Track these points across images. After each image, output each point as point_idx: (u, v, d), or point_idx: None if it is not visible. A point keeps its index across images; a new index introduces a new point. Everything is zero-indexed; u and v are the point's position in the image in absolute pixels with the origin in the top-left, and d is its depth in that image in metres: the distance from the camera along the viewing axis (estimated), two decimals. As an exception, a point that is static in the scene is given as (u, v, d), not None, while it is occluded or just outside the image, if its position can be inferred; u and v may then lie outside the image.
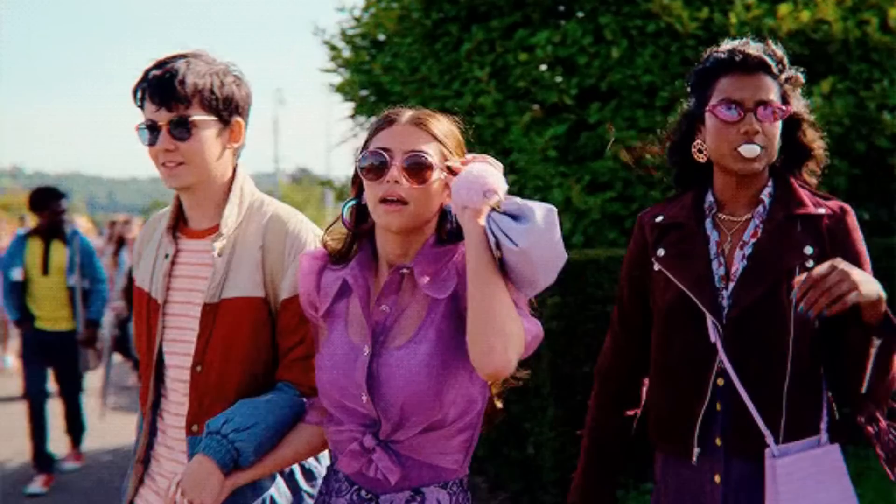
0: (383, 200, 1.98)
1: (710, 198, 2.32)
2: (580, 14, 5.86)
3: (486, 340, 1.81)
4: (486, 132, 5.85)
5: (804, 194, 2.25)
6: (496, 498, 5.41)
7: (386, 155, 1.98)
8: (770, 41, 2.27)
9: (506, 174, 2.00)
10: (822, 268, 1.92)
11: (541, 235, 1.83)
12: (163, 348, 2.30)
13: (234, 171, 2.33)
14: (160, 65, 2.23)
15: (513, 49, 5.84)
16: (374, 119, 2.02)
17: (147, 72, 2.24)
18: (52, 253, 6.76)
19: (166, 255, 2.33)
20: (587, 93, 5.78)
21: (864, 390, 2.09)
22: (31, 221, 10.11)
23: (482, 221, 1.88)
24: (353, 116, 7.68)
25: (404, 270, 2.03)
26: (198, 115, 2.21)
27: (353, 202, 2.11)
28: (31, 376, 6.67)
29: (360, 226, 2.11)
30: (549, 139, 5.58)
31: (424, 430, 1.98)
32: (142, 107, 2.25)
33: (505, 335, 1.82)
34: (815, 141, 2.29)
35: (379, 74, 6.44)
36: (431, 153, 2.00)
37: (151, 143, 2.23)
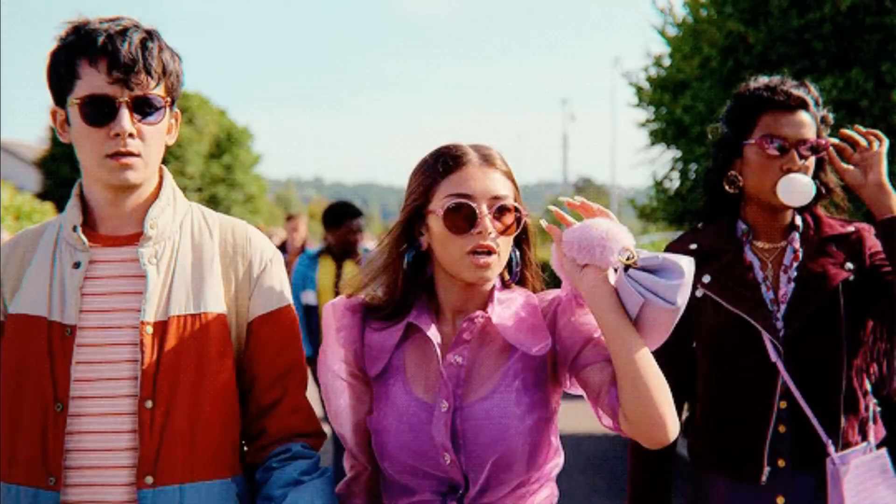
0: (473, 252, 1.80)
1: (741, 226, 2.37)
2: (862, 61, 6.66)
3: (656, 411, 1.66)
4: (777, 165, 6.77)
5: (829, 220, 2.36)
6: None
7: (472, 203, 1.79)
8: (806, 81, 2.37)
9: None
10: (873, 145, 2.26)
11: (689, 290, 1.66)
12: (71, 391, 1.80)
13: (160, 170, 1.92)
14: (120, 32, 1.77)
15: (801, 93, 6.71)
16: (444, 156, 1.86)
17: (93, 34, 1.77)
18: (344, 275, 5.80)
19: (77, 264, 1.83)
20: (870, 132, 6.56)
21: None
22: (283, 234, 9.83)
23: (613, 280, 1.72)
24: (651, 145, 8.85)
25: (480, 319, 1.84)
26: (162, 97, 1.82)
27: (411, 250, 1.88)
28: None
29: (419, 276, 1.89)
30: (834, 172, 6.39)
31: (515, 487, 1.81)
32: (72, 74, 1.78)
33: (670, 401, 1.69)
34: (833, 181, 2.39)
35: (679, 114, 7.53)
36: (511, 196, 1.84)
37: (103, 123, 1.76)
